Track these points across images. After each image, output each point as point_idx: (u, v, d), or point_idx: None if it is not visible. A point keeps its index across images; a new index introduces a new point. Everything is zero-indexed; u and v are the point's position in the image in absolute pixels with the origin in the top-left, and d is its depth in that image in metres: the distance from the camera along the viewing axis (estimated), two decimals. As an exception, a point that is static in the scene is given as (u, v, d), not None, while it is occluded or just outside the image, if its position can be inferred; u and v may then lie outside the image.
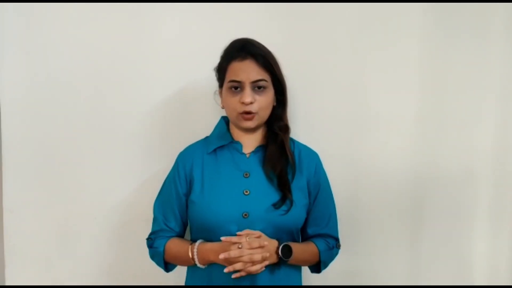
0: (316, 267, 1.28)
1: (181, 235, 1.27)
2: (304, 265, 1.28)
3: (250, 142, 1.24)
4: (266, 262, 1.10)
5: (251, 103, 1.15)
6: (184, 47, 1.41)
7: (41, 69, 1.41)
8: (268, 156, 1.22)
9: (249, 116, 1.17)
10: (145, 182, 1.44)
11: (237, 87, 1.17)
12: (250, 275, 1.10)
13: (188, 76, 1.41)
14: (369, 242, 1.49)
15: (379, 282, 1.50)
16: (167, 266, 1.26)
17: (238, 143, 1.24)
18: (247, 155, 1.23)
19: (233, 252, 1.07)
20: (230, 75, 1.17)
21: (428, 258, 1.50)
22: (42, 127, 1.43)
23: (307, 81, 1.43)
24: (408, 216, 1.49)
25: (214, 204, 1.17)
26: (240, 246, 1.07)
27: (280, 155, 1.22)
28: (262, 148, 1.24)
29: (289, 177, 1.21)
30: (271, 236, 1.14)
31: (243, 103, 1.15)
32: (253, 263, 1.07)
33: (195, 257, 1.16)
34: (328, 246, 1.26)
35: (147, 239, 1.26)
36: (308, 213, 1.24)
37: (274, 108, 1.23)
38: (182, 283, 1.30)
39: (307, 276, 1.34)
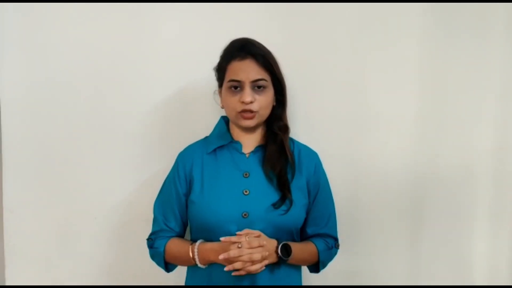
0: (315, 267, 1.28)
1: (181, 235, 1.27)
2: (303, 264, 1.27)
3: (249, 142, 1.24)
4: (266, 262, 1.10)
5: (251, 102, 1.15)
6: (184, 47, 1.41)
7: (41, 69, 1.41)
8: (267, 156, 1.22)
9: (249, 115, 1.17)
10: (145, 182, 1.44)
11: (237, 86, 1.17)
12: (250, 275, 1.10)
13: (188, 76, 1.41)
14: (369, 242, 1.49)
15: (379, 282, 1.50)
16: (168, 266, 1.26)
17: (237, 143, 1.24)
18: (247, 155, 1.23)
19: (233, 252, 1.07)
20: (230, 74, 1.17)
21: (428, 258, 1.50)
22: (42, 127, 1.43)
23: (307, 81, 1.43)
24: (408, 216, 1.49)
25: (214, 204, 1.17)
26: (239, 246, 1.07)
27: (280, 155, 1.22)
28: (262, 148, 1.24)
29: (289, 177, 1.20)
30: (271, 236, 1.14)
31: (243, 102, 1.15)
32: (253, 262, 1.07)
33: (196, 257, 1.15)
34: (327, 246, 1.26)
35: (147, 239, 1.26)
36: (307, 213, 1.24)
37: (273, 108, 1.23)
38: (182, 283, 1.30)
39: (307, 276, 1.34)
